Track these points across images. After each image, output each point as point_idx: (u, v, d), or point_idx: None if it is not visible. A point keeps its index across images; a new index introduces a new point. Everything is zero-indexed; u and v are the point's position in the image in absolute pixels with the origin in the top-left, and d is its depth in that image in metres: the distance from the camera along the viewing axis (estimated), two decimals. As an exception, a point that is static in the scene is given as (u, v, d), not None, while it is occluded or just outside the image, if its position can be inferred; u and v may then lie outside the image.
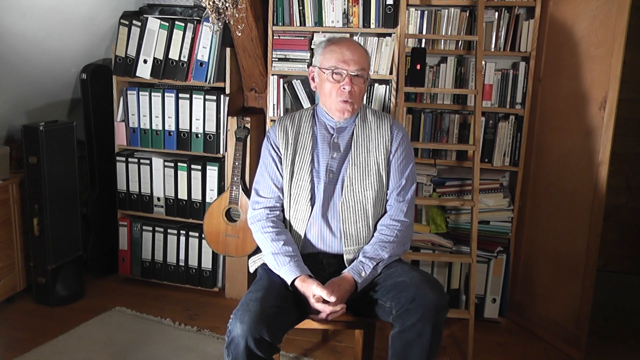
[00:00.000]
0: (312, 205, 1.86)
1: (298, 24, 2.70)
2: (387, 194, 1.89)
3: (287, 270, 1.74)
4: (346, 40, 1.87)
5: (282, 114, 2.80)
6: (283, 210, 1.93)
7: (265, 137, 1.97)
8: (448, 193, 2.68)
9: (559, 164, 2.50)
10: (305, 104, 2.76)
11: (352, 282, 1.73)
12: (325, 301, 1.66)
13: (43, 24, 2.51)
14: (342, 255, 1.86)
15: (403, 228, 1.86)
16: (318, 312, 1.69)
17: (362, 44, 2.64)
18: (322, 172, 1.87)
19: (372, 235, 1.86)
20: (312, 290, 1.68)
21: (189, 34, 2.78)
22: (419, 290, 1.61)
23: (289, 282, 1.73)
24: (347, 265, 1.82)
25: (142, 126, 2.94)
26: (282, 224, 1.91)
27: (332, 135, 1.90)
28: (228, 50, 2.77)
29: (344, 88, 1.80)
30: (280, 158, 1.91)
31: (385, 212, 1.90)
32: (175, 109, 2.87)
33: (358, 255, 1.81)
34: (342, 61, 1.80)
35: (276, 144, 1.92)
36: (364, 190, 1.85)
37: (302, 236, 1.87)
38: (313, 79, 1.93)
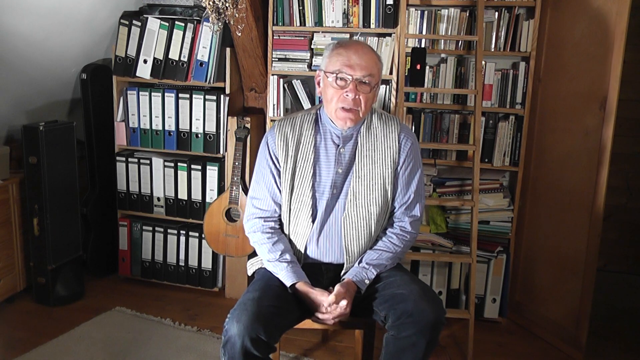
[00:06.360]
0: (313, 221, 1.80)
1: (298, 24, 2.70)
2: (393, 207, 1.85)
3: (284, 275, 1.73)
4: (355, 44, 1.75)
5: (282, 114, 2.80)
6: (281, 221, 1.88)
7: (263, 143, 1.87)
8: (448, 193, 2.68)
9: (559, 164, 2.50)
10: (306, 104, 2.75)
11: (356, 289, 1.73)
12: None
13: (43, 24, 2.51)
14: (340, 265, 1.83)
15: (411, 239, 1.85)
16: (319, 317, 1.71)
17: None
18: (325, 187, 1.79)
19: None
20: (324, 302, 1.67)
21: (189, 34, 2.78)
22: (417, 306, 1.59)
23: (288, 285, 1.73)
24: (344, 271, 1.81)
25: (142, 126, 2.94)
26: (279, 231, 1.86)
27: (338, 146, 1.80)
28: (228, 50, 2.77)
29: (347, 95, 1.70)
30: (279, 171, 1.83)
31: (392, 222, 1.87)
32: (175, 109, 2.87)
33: (361, 260, 1.79)
34: (348, 65, 1.69)
35: (276, 155, 1.83)
36: (368, 206, 1.79)
37: (303, 251, 1.83)
38: (319, 83, 1.81)
